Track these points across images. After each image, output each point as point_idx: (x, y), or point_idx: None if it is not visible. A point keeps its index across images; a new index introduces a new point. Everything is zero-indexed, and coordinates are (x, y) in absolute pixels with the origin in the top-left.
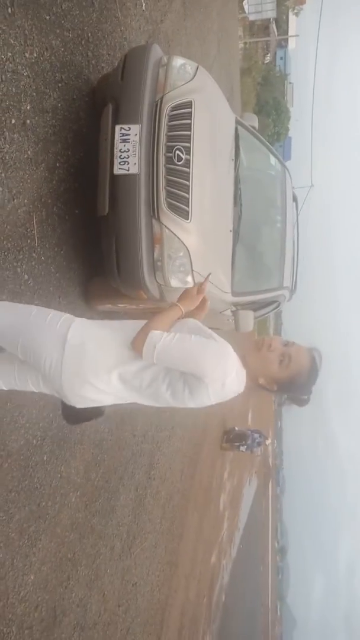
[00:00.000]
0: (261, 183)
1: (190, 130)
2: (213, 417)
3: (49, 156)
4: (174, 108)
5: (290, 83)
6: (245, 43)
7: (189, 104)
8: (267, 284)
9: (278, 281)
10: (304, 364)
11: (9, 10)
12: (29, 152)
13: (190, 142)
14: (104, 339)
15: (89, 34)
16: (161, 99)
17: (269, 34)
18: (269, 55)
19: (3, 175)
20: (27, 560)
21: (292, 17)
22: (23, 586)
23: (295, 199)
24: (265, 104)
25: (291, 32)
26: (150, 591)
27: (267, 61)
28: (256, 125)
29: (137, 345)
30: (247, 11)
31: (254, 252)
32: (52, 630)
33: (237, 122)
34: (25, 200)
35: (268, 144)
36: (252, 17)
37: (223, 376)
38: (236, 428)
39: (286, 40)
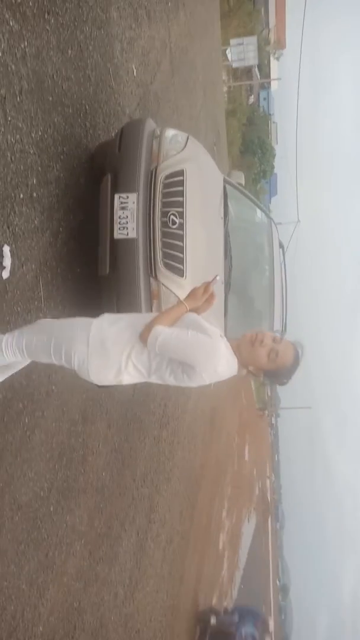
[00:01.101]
0: (249, 235)
1: (183, 197)
2: (209, 454)
3: (53, 223)
4: (168, 177)
5: (274, 122)
6: (229, 87)
7: (181, 173)
8: (258, 328)
9: (269, 325)
10: (289, 359)
11: (18, 98)
12: (35, 222)
13: (183, 207)
14: (119, 334)
15: (87, 106)
16: (155, 168)
17: (251, 77)
18: (252, 96)
19: (14, 246)
20: (36, 612)
21: (273, 61)
22: (32, 638)
23: (281, 246)
24: (251, 143)
25: (273, 74)
26: (153, 637)
27: (251, 102)
28: (242, 182)
29: (143, 337)
30: (230, 59)
31: (244, 301)
32: None
33: (225, 181)
34: (33, 266)
35: (254, 198)
36: (235, 65)
37: (213, 367)
38: (213, 620)
39: (269, 83)
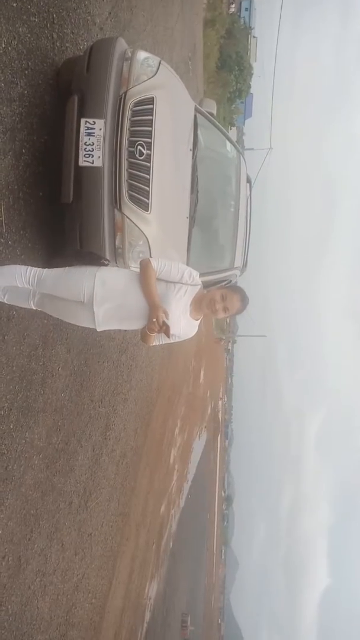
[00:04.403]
0: (216, 169)
1: (151, 127)
2: (165, 377)
3: (16, 144)
4: (137, 104)
5: (254, 37)
6: None
7: (151, 100)
8: (219, 264)
9: (230, 262)
10: (238, 307)
11: None
12: None
13: (151, 138)
14: (117, 278)
15: (54, 15)
16: (125, 93)
17: None
18: (233, 5)
19: None
20: None
21: None
22: None
23: (249, 181)
24: (228, 58)
25: None
26: (104, 540)
27: (232, 11)
28: (214, 111)
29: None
30: None
31: (208, 236)
32: (18, 576)
33: (196, 110)
34: None
35: (224, 130)
36: None
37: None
38: None
39: None
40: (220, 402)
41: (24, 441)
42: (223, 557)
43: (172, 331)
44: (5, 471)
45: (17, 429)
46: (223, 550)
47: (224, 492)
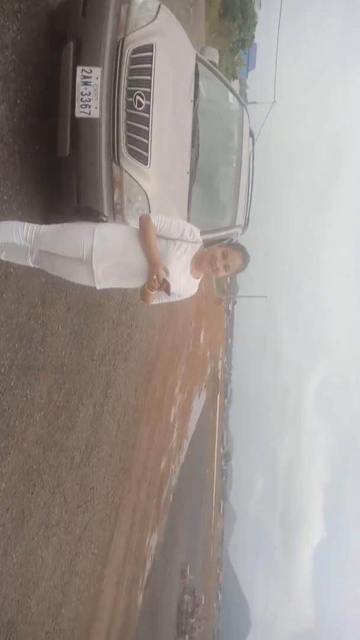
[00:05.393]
0: (219, 122)
1: (151, 75)
2: (166, 337)
3: (10, 94)
4: (136, 51)
5: None
6: None
7: (150, 48)
8: (221, 222)
9: (231, 220)
10: (239, 266)
11: None
12: None
13: (150, 88)
14: (116, 234)
15: None
16: (123, 40)
17: None
18: None
19: None
20: None
21: None
22: None
23: (251, 135)
24: (232, 5)
25: None
26: (106, 494)
27: None
28: (216, 60)
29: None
30: None
31: (209, 192)
32: (21, 528)
33: (198, 59)
34: None
35: (227, 80)
36: None
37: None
38: None
39: None
40: (220, 362)
41: (25, 398)
42: (222, 510)
43: (172, 289)
44: (7, 427)
45: (18, 386)
46: (222, 504)
47: (223, 449)
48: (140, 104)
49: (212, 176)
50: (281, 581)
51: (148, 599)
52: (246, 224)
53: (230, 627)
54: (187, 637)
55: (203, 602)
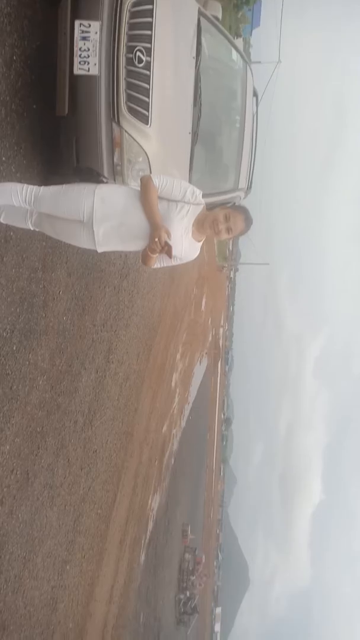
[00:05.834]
0: (221, 80)
1: (151, 30)
2: (167, 304)
3: (6, 49)
4: (136, 4)
5: None
6: None
7: (150, 1)
8: (223, 185)
9: (234, 183)
10: (242, 228)
11: None
12: None
13: (151, 43)
14: (117, 195)
15: None
16: None
17: None
18: None
19: None
20: (3, 434)
21: None
22: (0, 455)
23: (255, 94)
24: None
25: None
26: (109, 456)
27: None
28: (219, 15)
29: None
30: None
31: (212, 154)
32: (26, 489)
33: (200, 14)
34: None
35: (230, 37)
36: None
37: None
38: None
39: None
40: (221, 330)
41: (27, 362)
42: (222, 474)
43: (173, 252)
44: (10, 391)
45: (20, 350)
46: (222, 468)
47: (224, 414)
48: (140, 61)
49: (215, 137)
50: (280, 542)
51: (150, 558)
52: (249, 188)
53: (230, 585)
54: (187, 593)
55: (203, 560)
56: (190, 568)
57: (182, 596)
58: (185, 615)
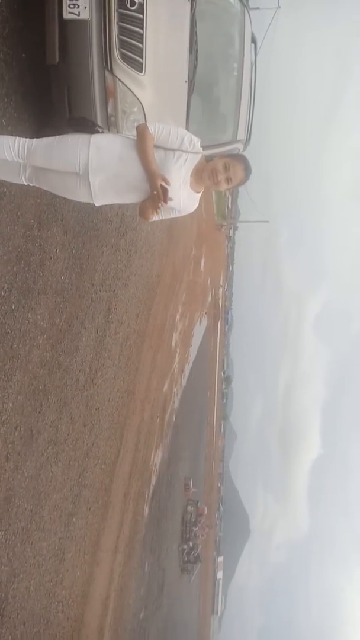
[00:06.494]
0: (218, 25)
1: None
2: (166, 264)
3: None
4: None
5: None
6: None
7: None
8: (221, 137)
9: (232, 134)
10: (241, 178)
11: None
12: None
13: None
14: (113, 144)
15: None
16: None
17: None
18: None
19: None
20: (5, 392)
21: None
22: (3, 412)
23: (254, 41)
24: None
25: None
26: (111, 414)
27: None
28: None
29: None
30: None
31: (209, 104)
32: (31, 445)
33: None
34: None
35: None
36: None
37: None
38: None
39: None
40: (220, 290)
41: (27, 321)
42: (222, 430)
43: (172, 204)
44: (10, 349)
45: (18, 309)
46: (222, 424)
47: (224, 373)
48: (133, 3)
49: (212, 86)
50: (279, 495)
51: (154, 510)
52: (248, 139)
53: (231, 535)
54: (190, 543)
55: (205, 512)
56: (193, 519)
57: (185, 546)
58: (189, 564)
